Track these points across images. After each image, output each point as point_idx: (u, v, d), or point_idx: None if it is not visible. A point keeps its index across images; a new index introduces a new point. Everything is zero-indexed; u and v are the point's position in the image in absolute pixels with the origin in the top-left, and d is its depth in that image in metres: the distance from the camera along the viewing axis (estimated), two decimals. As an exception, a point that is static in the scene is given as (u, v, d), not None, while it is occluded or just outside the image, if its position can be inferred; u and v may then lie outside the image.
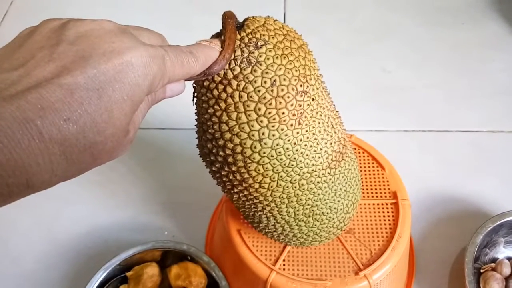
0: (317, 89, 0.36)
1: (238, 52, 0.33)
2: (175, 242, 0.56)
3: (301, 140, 0.35)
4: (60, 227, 0.64)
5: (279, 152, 0.35)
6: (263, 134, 0.34)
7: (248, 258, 0.47)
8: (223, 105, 0.34)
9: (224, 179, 0.38)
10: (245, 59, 0.33)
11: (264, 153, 0.35)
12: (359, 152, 0.54)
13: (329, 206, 0.40)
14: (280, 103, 0.33)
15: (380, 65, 0.80)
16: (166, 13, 0.90)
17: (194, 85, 0.37)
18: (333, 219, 0.42)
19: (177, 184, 0.68)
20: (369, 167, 0.53)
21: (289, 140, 0.35)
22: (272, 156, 0.35)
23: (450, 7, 0.88)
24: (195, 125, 0.40)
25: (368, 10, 0.88)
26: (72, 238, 0.63)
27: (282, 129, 0.34)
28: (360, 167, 0.53)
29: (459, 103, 0.75)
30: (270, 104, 0.33)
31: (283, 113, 0.34)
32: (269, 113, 0.33)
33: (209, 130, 0.36)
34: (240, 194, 0.39)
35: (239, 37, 0.33)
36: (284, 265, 0.46)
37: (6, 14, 0.92)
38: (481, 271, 0.57)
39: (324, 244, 0.47)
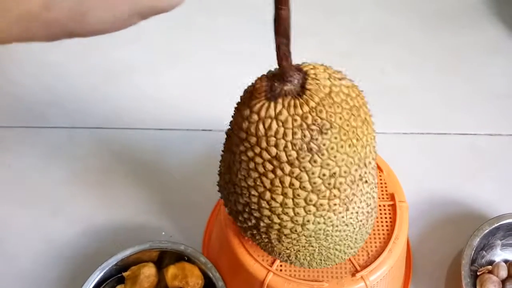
0: (370, 164, 0.34)
1: (298, 135, 0.29)
2: (172, 242, 0.56)
3: (343, 222, 0.34)
4: (56, 226, 0.64)
5: (318, 233, 0.34)
6: (307, 221, 0.32)
7: (245, 258, 0.47)
8: (268, 184, 0.31)
9: (248, 228, 0.37)
10: (305, 146, 0.30)
11: (303, 235, 0.33)
12: (357, 154, 0.54)
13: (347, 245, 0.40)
14: (335, 195, 0.31)
15: (379, 67, 0.80)
16: (166, 14, 0.90)
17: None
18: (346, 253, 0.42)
19: (175, 184, 0.68)
20: (366, 168, 0.53)
21: (331, 224, 0.33)
22: (310, 236, 0.34)
23: (449, 11, 0.88)
24: (221, 162, 0.38)
25: (368, 13, 0.88)
26: (69, 238, 0.63)
27: (329, 217, 0.32)
28: (358, 168, 0.53)
29: (457, 106, 0.75)
30: (324, 196, 0.31)
31: (334, 204, 0.32)
32: (320, 204, 0.31)
33: (243, 193, 0.33)
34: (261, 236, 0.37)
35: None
36: (281, 266, 0.46)
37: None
38: (478, 273, 0.57)
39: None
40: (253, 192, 0.32)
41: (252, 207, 0.33)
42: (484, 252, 0.59)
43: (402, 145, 0.71)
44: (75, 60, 0.82)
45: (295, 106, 0.31)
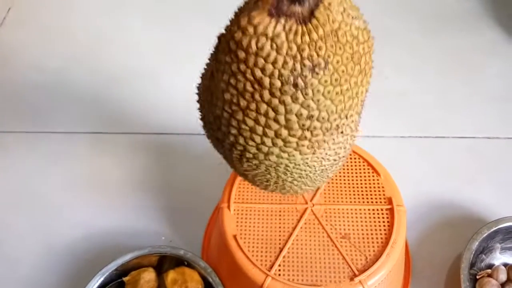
0: (352, 117, 0.32)
1: (289, 65, 0.27)
2: (172, 247, 0.56)
3: (306, 163, 0.33)
4: (57, 231, 0.64)
5: (279, 166, 0.33)
6: (271, 152, 0.31)
7: (243, 263, 0.47)
8: (243, 104, 0.29)
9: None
10: (292, 79, 0.27)
11: (263, 163, 0.33)
12: (355, 158, 0.55)
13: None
14: (305, 137, 0.30)
15: (378, 71, 0.80)
16: (166, 17, 0.90)
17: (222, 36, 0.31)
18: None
19: (174, 189, 0.68)
20: (364, 173, 0.53)
21: (294, 162, 0.32)
22: (270, 166, 0.33)
23: (447, 14, 0.88)
24: (203, 71, 0.36)
25: (366, 16, 0.89)
26: (69, 243, 0.63)
27: (293, 155, 0.31)
28: (355, 173, 0.53)
29: (456, 109, 0.75)
30: (295, 135, 0.30)
31: (303, 145, 0.30)
32: (289, 141, 0.30)
33: (218, 104, 0.31)
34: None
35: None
36: (279, 270, 0.47)
37: (5, 18, 0.93)
38: (477, 277, 0.57)
39: (319, 248, 0.47)
40: (227, 108, 0.30)
41: (223, 121, 0.32)
42: (483, 255, 0.59)
43: (400, 149, 0.71)
44: (76, 65, 0.83)
45: (295, 33, 0.27)
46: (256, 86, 0.28)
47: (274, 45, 0.28)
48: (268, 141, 0.30)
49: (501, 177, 0.68)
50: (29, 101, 0.79)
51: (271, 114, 0.29)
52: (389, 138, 0.72)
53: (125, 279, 0.55)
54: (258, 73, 0.28)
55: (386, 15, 0.89)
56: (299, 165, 0.34)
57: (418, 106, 0.76)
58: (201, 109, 0.37)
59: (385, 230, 0.48)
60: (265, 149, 0.31)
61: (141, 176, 0.70)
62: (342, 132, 0.32)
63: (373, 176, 0.53)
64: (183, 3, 0.91)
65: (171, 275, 0.55)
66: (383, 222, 0.49)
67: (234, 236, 0.49)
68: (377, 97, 0.77)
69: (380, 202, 0.51)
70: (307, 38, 0.27)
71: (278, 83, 0.28)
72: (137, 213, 0.66)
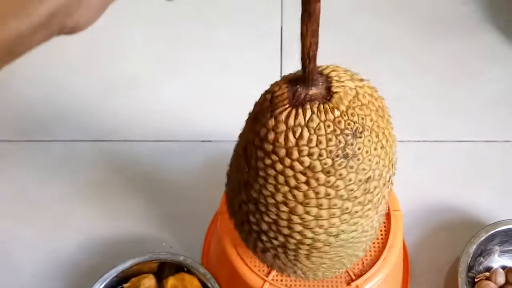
0: (395, 164, 0.33)
1: (333, 141, 0.28)
2: (172, 253, 0.57)
3: (372, 226, 0.33)
4: (58, 239, 0.65)
5: (350, 242, 0.33)
6: (342, 231, 0.31)
7: (241, 269, 0.48)
8: (300, 197, 0.29)
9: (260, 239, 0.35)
10: (340, 152, 0.28)
11: (334, 246, 0.32)
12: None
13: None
14: (369, 200, 0.30)
15: (376, 76, 0.81)
16: (164, 25, 0.91)
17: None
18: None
19: (174, 195, 0.69)
20: (361, 178, 0.54)
21: (362, 230, 0.32)
22: (341, 246, 0.33)
23: (445, 19, 0.89)
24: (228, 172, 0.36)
25: (364, 22, 0.89)
26: (70, 250, 0.64)
27: (361, 224, 0.31)
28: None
29: (454, 114, 0.76)
30: (359, 202, 0.30)
31: (368, 209, 0.31)
32: (355, 211, 0.30)
33: (270, 210, 0.31)
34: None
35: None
36: (277, 276, 0.47)
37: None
38: (476, 280, 0.57)
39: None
40: (283, 208, 0.30)
41: (281, 224, 0.31)
42: (481, 258, 0.59)
43: (399, 153, 0.71)
44: (75, 74, 0.83)
45: (325, 112, 0.29)
46: (308, 172, 0.29)
47: (312, 129, 0.29)
48: (336, 221, 0.30)
49: (499, 181, 0.68)
50: (28, 111, 0.79)
51: (332, 192, 0.29)
52: (386, 142, 0.73)
53: (125, 285, 0.56)
54: (306, 160, 0.29)
55: (383, 20, 0.89)
56: (366, 231, 0.34)
57: (416, 111, 0.76)
58: (242, 226, 0.36)
59: (381, 234, 0.49)
60: (334, 231, 0.31)
61: (140, 183, 0.70)
62: (391, 182, 0.33)
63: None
64: (181, 11, 0.92)
65: (171, 281, 0.56)
66: (380, 227, 0.49)
67: (233, 242, 0.49)
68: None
69: (377, 207, 0.51)
70: (337, 111, 0.29)
71: (329, 161, 0.29)
72: (137, 219, 0.66)
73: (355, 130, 0.29)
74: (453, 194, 0.67)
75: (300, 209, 0.30)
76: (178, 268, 0.57)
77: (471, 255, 0.55)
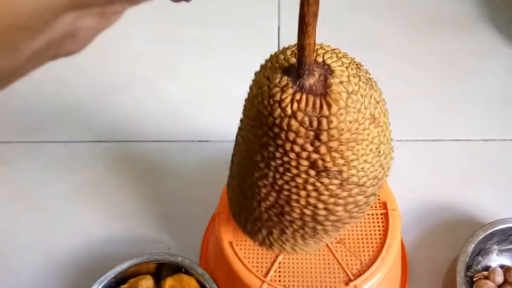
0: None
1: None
2: (170, 254, 0.57)
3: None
4: (56, 240, 0.65)
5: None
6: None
7: (239, 269, 0.47)
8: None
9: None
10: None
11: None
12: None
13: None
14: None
15: (372, 74, 0.81)
16: (162, 26, 0.91)
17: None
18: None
19: (172, 196, 0.68)
20: (359, 178, 0.54)
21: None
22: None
23: (440, 17, 0.89)
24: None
25: (361, 20, 0.89)
26: (68, 252, 0.64)
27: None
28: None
29: (451, 112, 0.76)
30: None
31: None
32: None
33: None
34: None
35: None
36: (275, 276, 0.47)
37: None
38: (474, 279, 0.57)
39: (314, 253, 0.48)
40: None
41: (312, 194, 0.31)
42: (480, 257, 0.59)
43: (396, 153, 0.71)
44: (73, 75, 0.83)
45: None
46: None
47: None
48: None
49: (498, 179, 0.68)
50: (27, 112, 0.79)
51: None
52: (384, 142, 0.73)
53: (123, 287, 0.56)
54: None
55: (380, 19, 0.89)
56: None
57: (413, 110, 0.76)
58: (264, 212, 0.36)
59: (380, 234, 0.49)
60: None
61: (139, 183, 0.70)
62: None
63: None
64: (179, 12, 0.92)
65: (169, 282, 0.55)
66: (378, 226, 0.49)
67: (230, 243, 0.49)
68: (372, 101, 0.78)
69: (375, 207, 0.51)
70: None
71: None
72: (135, 220, 0.66)
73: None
74: (451, 193, 0.67)
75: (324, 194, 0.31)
76: (176, 269, 0.56)
77: (469, 254, 0.55)
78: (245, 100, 0.35)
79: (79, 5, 0.21)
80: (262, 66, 0.33)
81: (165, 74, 0.83)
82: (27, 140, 0.75)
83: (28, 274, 0.62)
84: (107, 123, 0.77)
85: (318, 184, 0.30)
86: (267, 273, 0.47)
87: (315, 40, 0.28)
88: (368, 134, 0.31)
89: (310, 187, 0.31)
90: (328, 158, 0.29)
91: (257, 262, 0.48)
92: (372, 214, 0.50)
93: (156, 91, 0.81)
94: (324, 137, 0.29)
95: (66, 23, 0.22)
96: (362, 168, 0.31)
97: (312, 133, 0.28)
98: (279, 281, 0.47)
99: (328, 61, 0.30)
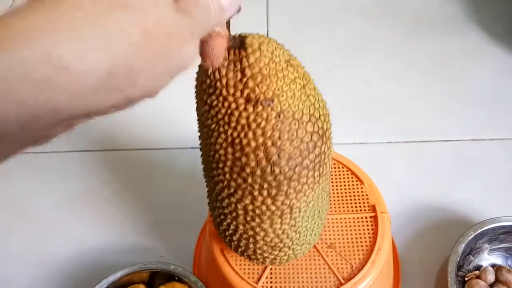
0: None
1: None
2: (162, 263, 0.57)
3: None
4: (48, 251, 0.65)
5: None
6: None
7: (231, 277, 0.48)
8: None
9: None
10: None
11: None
12: (338, 167, 0.55)
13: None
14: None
15: (361, 77, 0.82)
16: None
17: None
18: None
19: (164, 204, 0.68)
20: (348, 181, 0.54)
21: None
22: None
23: (429, 18, 0.90)
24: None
25: (348, 23, 0.90)
26: (61, 262, 0.64)
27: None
28: (339, 182, 0.54)
29: (440, 113, 0.76)
30: None
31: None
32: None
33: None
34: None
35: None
36: (266, 282, 0.47)
37: None
38: (466, 279, 0.58)
39: (305, 259, 0.48)
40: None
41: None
42: (471, 257, 0.59)
43: (386, 155, 0.72)
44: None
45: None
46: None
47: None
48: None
49: (488, 178, 0.68)
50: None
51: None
52: (374, 144, 0.73)
53: (116, 296, 0.56)
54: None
55: (368, 20, 0.90)
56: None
57: (403, 111, 0.77)
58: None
59: (369, 237, 0.49)
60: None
61: (130, 192, 0.70)
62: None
63: (356, 184, 0.54)
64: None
65: (162, 291, 0.56)
66: (368, 229, 0.50)
67: (222, 250, 0.49)
68: (360, 103, 0.78)
69: (364, 210, 0.51)
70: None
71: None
72: (128, 229, 0.66)
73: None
74: (441, 193, 0.67)
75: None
76: (169, 277, 0.57)
77: (459, 254, 0.55)
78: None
79: None
80: None
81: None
82: (18, 151, 0.75)
83: (20, 285, 0.62)
84: (98, 132, 0.77)
85: (259, 118, 0.34)
86: (258, 279, 0.47)
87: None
88: (287, 71, 0.34)
89: (253, 125, 0.34)
90: (257, 90, 0.33)
91: (249, 269, 0.48)
92: (362, 218, 0.51)
93: (146, 98, 0.81)
94: (247, 71, 0.33)
95: None
96: (292, 100, 0.35)
97: (238, 73, 0.33)
98: (271, 287, 0.47)
99: (243, 35, 0.35)
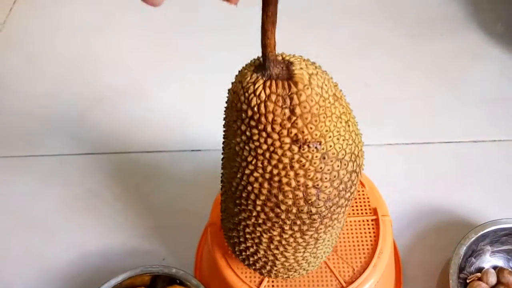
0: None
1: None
2: (164, 266, 0.57)
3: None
4: (50, 254, 0.65)
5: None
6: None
7: (233, 280, 0.48)
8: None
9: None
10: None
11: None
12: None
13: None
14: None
15: (362, 79, 0.82)
16: (151, 36, 0.91)
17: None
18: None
19: (165, 207, 0.68)
20: (349, 184, 0.54)
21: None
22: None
23: (429, 19, 0.90)
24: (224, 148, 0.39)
25: (348, 25, 0.90)
26: (62, 266, 0.64)
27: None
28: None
29: (441, 114, 0.76)
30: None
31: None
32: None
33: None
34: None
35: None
36: (268, 286, 0.47)
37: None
38: (467, 281, 0.58)
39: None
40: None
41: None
42: (473, 259, 0.59)
43: (387, 156, 0.72)
44: (61, 88, 0.83)
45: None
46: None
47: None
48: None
49: (488, 180, 0.68)
50: (19, 126, 0.79)
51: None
52: (374, 146, 0.73)
53: (118, 300, 0.56)
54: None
55: (368, 22, 0.90)
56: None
57: (404, 113, 0.77)
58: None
59: (371, 240, 0.49)
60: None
61: (131, 195, 0.70)
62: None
63: (358, 187, 0.53)
64: (168, 21, 0.92)
65: (163, 294, 0.56)
66: (369, 232, 0.50)
67: (223, 254, 0.49)
68: (361, 105, 0.78)
69: (366, 213, 0.51)
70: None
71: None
72: (129, 232, 0.66)
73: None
74: (443, 195, 0.67)
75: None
76: (171, 280, 0.56)
77: (461, 257, 0.55)
78: (225, 109, 0.37)
79: None
80: (235, 77, 0.36)
81: (155, 84, 0.83)
82: (19, 154, 0.75)
83: (22, 289, 0.62)
84: (98, 136, 0.77)
85: (303, 160, 0.32)
86: (260, 283, 0.47)
87: (275, 40, 0.32)
88: (335, 109, 0.33)
89: (296, 165, 0.32)
90: (306, 131, 0.32)
91: (251, 272, 0.48)
92: (363, 221, 0.51)
93: (147, 101, 0.81)
94: (298, 110, 0.31)
95: None
96: (338, 140, 0.33)
97: (287, 110, 0.31)
98: (273, 290, 0.47)
99: (287, 58, 0.33)
